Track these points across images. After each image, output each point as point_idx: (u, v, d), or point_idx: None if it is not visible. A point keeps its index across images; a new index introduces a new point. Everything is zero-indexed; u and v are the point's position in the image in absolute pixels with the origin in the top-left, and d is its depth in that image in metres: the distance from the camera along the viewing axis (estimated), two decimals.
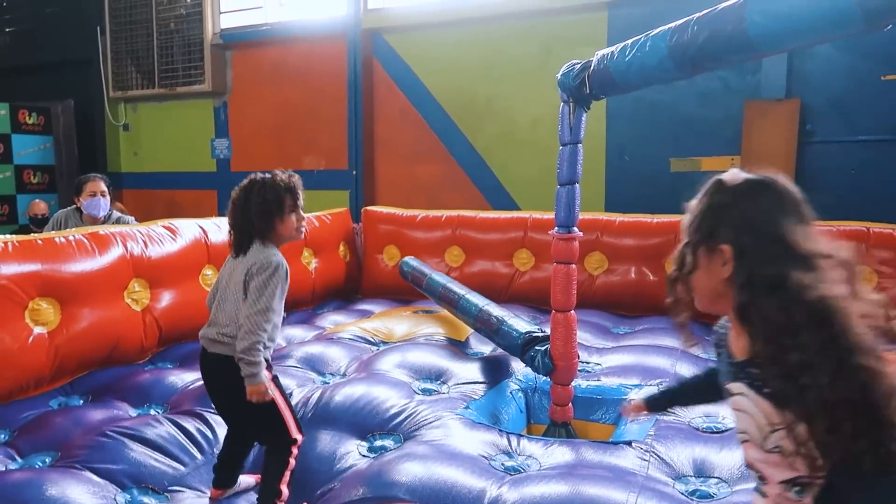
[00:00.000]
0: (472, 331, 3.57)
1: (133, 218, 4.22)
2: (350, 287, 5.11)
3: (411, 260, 4.15)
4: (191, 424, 2.41)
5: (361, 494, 1.96)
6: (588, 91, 2.29)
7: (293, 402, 2.47)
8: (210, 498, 2.11)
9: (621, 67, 2.09)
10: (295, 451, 2.01)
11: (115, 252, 3.19)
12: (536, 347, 2.65)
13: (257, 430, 2.06)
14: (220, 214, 6.88)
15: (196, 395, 2.68)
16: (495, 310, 3.10)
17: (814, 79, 4.86)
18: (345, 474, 2.10)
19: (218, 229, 3.86)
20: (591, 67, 2.25)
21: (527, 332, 2.75)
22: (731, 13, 1.63)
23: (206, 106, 7.10)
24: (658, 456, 2.13)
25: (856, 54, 4.74)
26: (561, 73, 2.39)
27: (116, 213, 4.11)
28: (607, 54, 2.19)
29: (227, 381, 1.98)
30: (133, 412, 2.64)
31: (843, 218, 4.14)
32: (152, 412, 2.65)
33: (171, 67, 6.97)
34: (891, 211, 4.39)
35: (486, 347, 3.41)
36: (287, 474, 1.99)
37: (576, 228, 2.50)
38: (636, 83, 2.14)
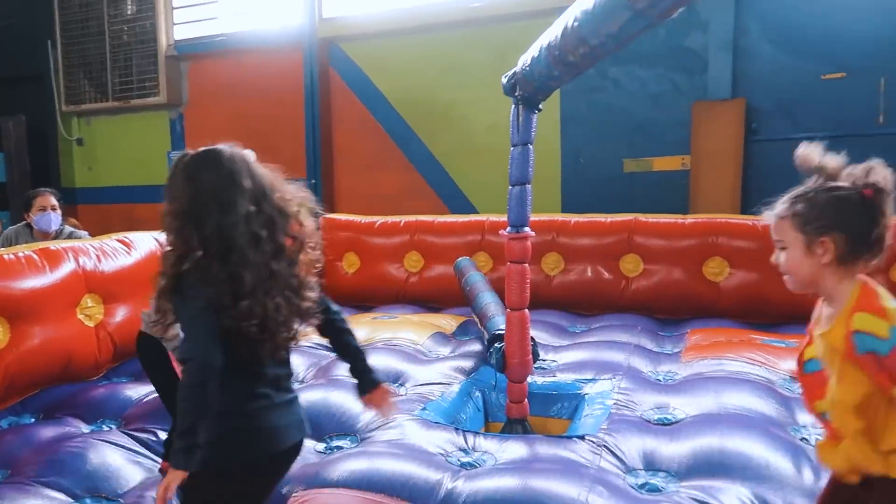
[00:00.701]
0: (431, 334, 3.60)
1: (86, 233, 4.16)
2: None
3: (464, 260, 4.25)
4: (146, 437, 2.39)
5: (311, 483, 1.98)
6: (521, 95, 2.36)
7: None
8: (160, 469, 2.17)
9: (529, 75, 2.20)
10: None
11: (67, 267, 3.15)
12: (496, 345, 2.70)
13: None
14: None
15: (152, 408, 2.66)
16: (495, 307, 3.18)
17: (758, 79, 5.02)
18: (300, 471, 2.11)
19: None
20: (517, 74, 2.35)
21: (497, 330, 2.79)
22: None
23: (161, 118, 7.03)
24: (609, 449, 2.18)
25: (797, 55, 4.92)
26: (504, 78, 2.46)
27: (69, 228, 4.05)
28: (523, 61, 2.29)
29: None
30: (86, 428, 2.61)
31: None
32: (105, 427, 2.61)
33: (126, 80, 6.89)
34: None
35: (444, 350, 3.45)
36: None
37: (527, 228, 2.55)
38: (544, 87, 2.26)
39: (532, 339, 2.64)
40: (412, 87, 6.04)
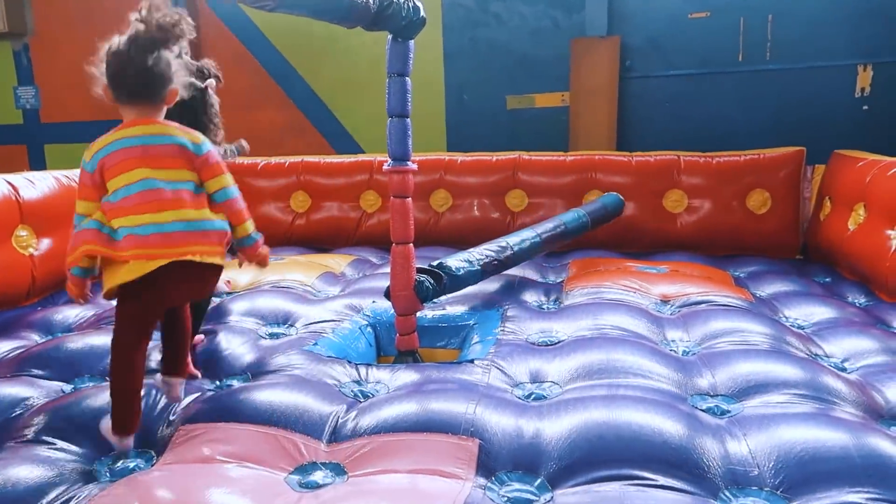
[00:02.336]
0: (320, 274, 3.55)
1: None
2: None
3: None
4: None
5: (197, 418, 1.94)
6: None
7: None
8: None
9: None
10: None
11: None
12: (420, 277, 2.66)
13: None
14: (33, 169, 6.23)
15: (13, 364, 2.46)
16: (490, 245, 3.15)
17: (632, 17, 5.18)
18: (186, 407, 2.05)
19: (31, 185, 3.49)
20: None
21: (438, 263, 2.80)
22: None
23: (2, 49, 6.28)
24: (499, 369, 2.27)
25: None
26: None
27: None
28: None
29: None
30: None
31: (659, 148, 4.53)
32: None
33: None
34: (700, 140, 4.87)
35: (333, 289, 3.41)
36: None
37: (409, 162, 2.52)
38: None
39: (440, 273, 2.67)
40: (289, 19, 5.73)
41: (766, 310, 2.93)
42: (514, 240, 3.23)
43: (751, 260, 3.91)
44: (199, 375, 2.34)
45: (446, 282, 2.70)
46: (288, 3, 1.96)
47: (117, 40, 1.86)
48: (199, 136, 1.84)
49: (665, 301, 3.02)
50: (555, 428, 1.80)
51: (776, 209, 4.12)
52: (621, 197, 4.01)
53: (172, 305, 1.95)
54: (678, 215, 4.26)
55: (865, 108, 4.95)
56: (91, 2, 5.98)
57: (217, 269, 1.88)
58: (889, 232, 3.10)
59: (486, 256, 2.98)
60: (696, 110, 5.16)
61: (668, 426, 1.77)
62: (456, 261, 2.84)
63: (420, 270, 2.65)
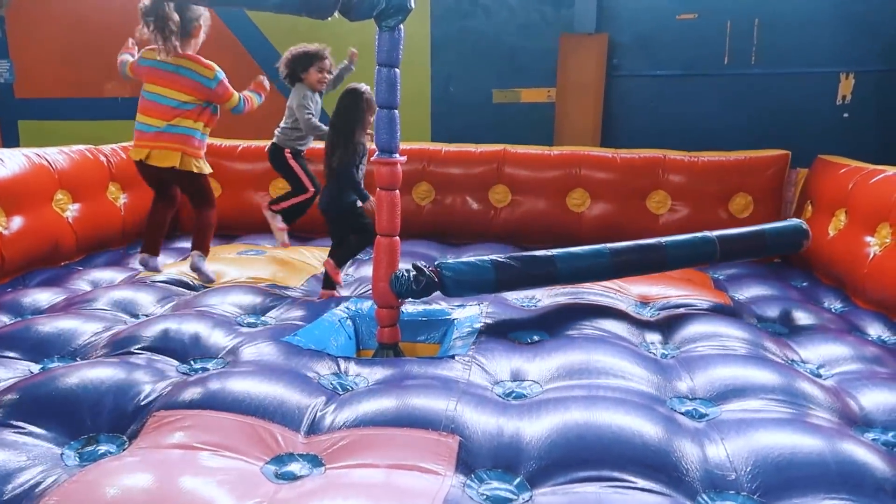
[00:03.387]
0: (309, 277, 3.49)
1: None
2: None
3: None
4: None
5: (173, 404, 1.90)
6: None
7: (99, 340, 2.47)
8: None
9: None
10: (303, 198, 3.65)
11: None
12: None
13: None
14: (6, 146, 6.07)
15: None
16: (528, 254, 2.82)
17: (620, 15, 5.18)
18: (160, 392, 2.00)
19: (1, 163, 3.39)
20: None
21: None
22: None
23: None
24: (479, 366, 2.25)
25: None
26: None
27: None
28: None
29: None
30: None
31: (643, 145, 4.54)
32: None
33: None
34: (683, 140, 4.88)
35: (312, 284, 3.36)
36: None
37: (397, 154, 2.49)
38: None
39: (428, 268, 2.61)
40: None
41: (744, 313, 2.95)
42: (566, 254, 2.77)
43: (730, 262, 3.93)
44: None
45: (444, 282, 2.57)
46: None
47: None
48: None
49: (644, 303, 3.03)
50: (535, 427, 1.79)
51: (758, 212, 4.15)
52: (803, 225, 3.13)
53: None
54: (661, 216, 4.28)
55: (846, 115, 5.01)
56: None
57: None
58: (868, 239, 3.14)
59: (511, 265, 2.63)
60: (680, 111, 5.18)
61: (647, 428, 1.77)
62: (466, 263, 2.63)
63: (415, 267, 2.58)
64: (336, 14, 2.38)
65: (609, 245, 2.80)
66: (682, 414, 1.97)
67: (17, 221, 3.39)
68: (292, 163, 3.58)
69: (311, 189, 3.58)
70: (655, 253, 2.82)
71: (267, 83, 3.17)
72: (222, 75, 2.24)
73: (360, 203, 3.20)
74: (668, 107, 5.20)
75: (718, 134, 5.10)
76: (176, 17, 2.21)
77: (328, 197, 3.25)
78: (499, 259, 2.65)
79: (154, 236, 2.44)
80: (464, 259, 2.70)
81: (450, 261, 2.65)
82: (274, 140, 3.65)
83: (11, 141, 6.20)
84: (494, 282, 2.62)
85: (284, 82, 3.67)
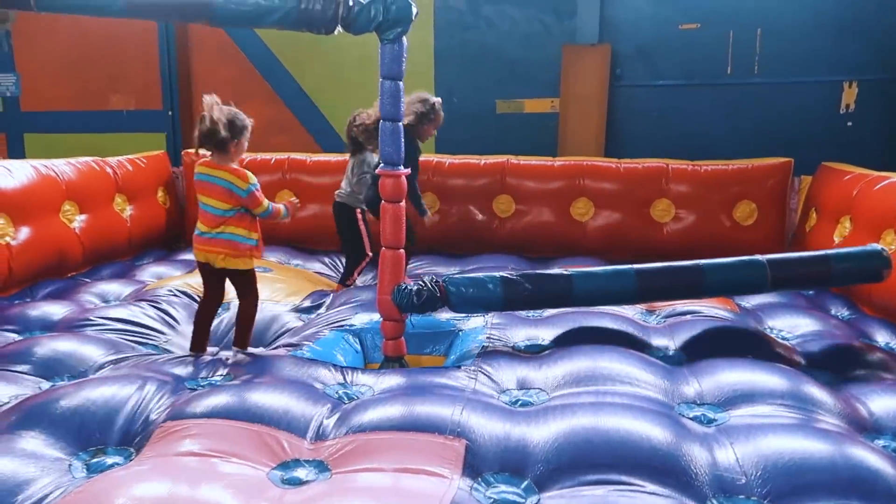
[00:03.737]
0: (312, 292, 3.48)
1: None
2: (172, 236, 4.79)
3: None
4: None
5: (180, 415, 1.90)
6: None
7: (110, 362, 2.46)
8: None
9: None
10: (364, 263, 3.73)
11: None
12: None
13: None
14: (12, 157, 6.10)
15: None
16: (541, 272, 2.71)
17: (622, 26, 5.20)
18: (169, 405, 2.00)
19: (9, 173, 3.41)
20: None
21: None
22: None
23: None
24: (485, 375, 2.24)
25: (658, 4, 5.14)
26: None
27: None
28: None
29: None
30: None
31: (646, 155, 4.55)
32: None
33: None
34: (686, 149, 4.89)
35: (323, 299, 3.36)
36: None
37: (402, 166, 2.50)
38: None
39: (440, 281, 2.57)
40: None
41: (751, 321, 2.94)
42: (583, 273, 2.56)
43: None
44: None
45: (450, 298, 2.50)
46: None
47: None
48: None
49: (650, 311, 3.02)
50: (542, 432, 1.78)
51: (762, 220, 4.15)
52: (883, 251, 2.64)
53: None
54: (665, 224, 4.27)
55: (849, 123, 5.02)
56: None
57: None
58: (875, 245, 3.12)
59: (519, 283, 2.48)
60: (683, 121, 5.19)
61: (655, 433, 1.76)
62: (473, 280, 2.52)
63: (421, 281, 2.54)
64: (339, 28, 2.40)
65: (635, 266, 2.53)
66: (690, 419, 1.96)
67: (24, 232, 3.40)
68: (360, 225, 3.72)
69: (370, 254, 3.70)
70: (690, 277, 2.50)
71: (296, 206, 3.20)
72: (254, 186, 2.65)
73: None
74: (671, 116, 5.21)
75: (722, 143, 5.10)
76: (223, 134, 2.63)
77: (372, 196, 3.42)
78: (508, 276, 2.50)
79: (202, 334, 2.68)
80: (472, 275, 2.60)
81: (457, 276, 2.57)
82: (340, 200, 3.75)
83: (17, 153, 6.24)
84: (502, 300, 2.49)
85: (346, 146, 3.87)
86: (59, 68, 6.07)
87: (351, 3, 2.32)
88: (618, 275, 2.51)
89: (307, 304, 3.31)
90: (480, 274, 2.60)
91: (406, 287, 2.51)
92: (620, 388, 2.11)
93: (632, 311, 2.95)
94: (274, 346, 2.75)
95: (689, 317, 2.88)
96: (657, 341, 2.62)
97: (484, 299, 2.51)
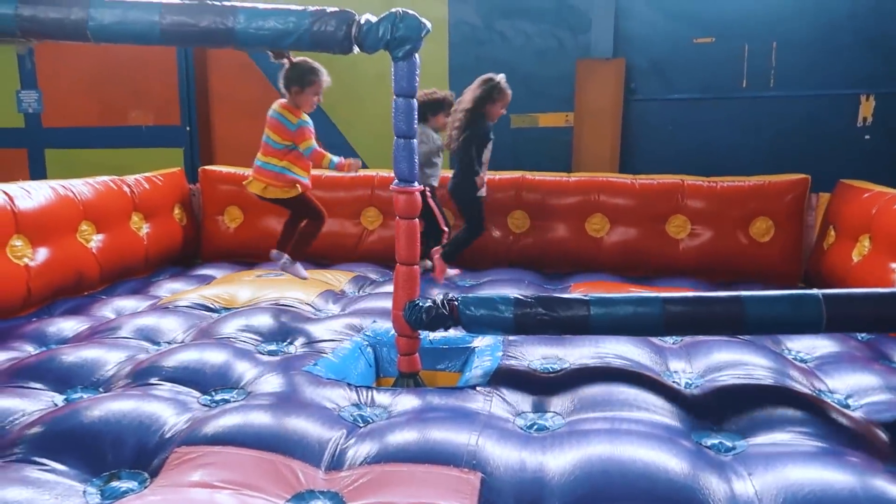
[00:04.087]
0: (320, 292, 3.51)
1: None
2: (188, 252, 4.82)
3: None
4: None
5: (195, 439, 1.90)
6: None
7: (121, 370, 2.50)
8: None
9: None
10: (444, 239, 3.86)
11: None
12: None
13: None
14: (34, 175, 6.20)
15: (6, 375, 2.42)
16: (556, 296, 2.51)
17: (636, 40, 5.20)
18: (182, 426, 2.01)
19: (27, 195, 3.46)
20: None
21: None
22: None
23: (7, 53, 6.26)
24: (500, 396, 2.23)
25: (672, 18, 5.13)
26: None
27: None
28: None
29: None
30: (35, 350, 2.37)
31: (661, 169, 4.53)
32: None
33: None
34: (702, 165, 4.86)
35: (334, 308, 3.38)
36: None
37: (416, 182, 2.50)
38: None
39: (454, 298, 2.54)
40: None
41: (767, 342, 2.90)
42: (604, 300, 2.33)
43: (752, 288, 3.85)
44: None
45: (461, 317, 2.42)
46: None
47: None
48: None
49: None
50: (558, 462, 1.77)
51: (779, 237, 4.11)
52: None
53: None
54: (680, 241, 4.25)
55: (867, 137, 4.96)
56: None
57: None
58: (894, 265, 3.08)
59: (533, 307, 2.33)
60: (698, 135, 5.17)
61: (672, 464, 1.74)
62: (485, 300, 2.42)
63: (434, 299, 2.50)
64: (356, 48, 2.42)
65: (663, 294, 2.31)
66: (707, 447, 1.93)
67: (42, 253, 3.44)
68: (430, 202, 3.79)
69: (445, 230, 3.83)
70: (729, 309, 2.22)
71: (355, 166, 3.54)
72: (304, 123, 3.08)
73: (481, 192, 3.66)
74: (686, 130, 5.19)
75: (737, 157, 5.07)
76: (293, 72, 3.09)
77: (453, 180, 3.68)
78: (521, 298, 2.36)
79: (284, 235, 3.44)
80: (486, 294, 2.51)
81: (470, 295, 2.50)
82: None
83: (39, 169, 6.34)
84: (513, 324, 2.36)
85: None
86: (80, 85, 6.16)
87: (362, 23, 2.35)
88: (642, 303, 2.27)
89: (318, 301, 3.40)
90: (494, 294, 2.52)
91: (417, 304, 2.50)
92: (636, 414, 2.09)
93: None
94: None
95: (705, 337, 2.85)
96: (674, 363, 2.59)
97: (495, 321, 2.41)
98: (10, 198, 3.33)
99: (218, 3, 2.34)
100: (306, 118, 3.13)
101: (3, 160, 6.35)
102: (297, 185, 3.21)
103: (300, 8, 2.36)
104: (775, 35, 4.99)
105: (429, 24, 2.36)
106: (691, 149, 5.13)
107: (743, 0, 5.02)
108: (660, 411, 2.11)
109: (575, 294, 2.42)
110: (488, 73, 3.92)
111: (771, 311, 2.21)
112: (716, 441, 1.97)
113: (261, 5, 2.41)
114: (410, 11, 2.33)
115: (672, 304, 2.25)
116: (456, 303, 2.45)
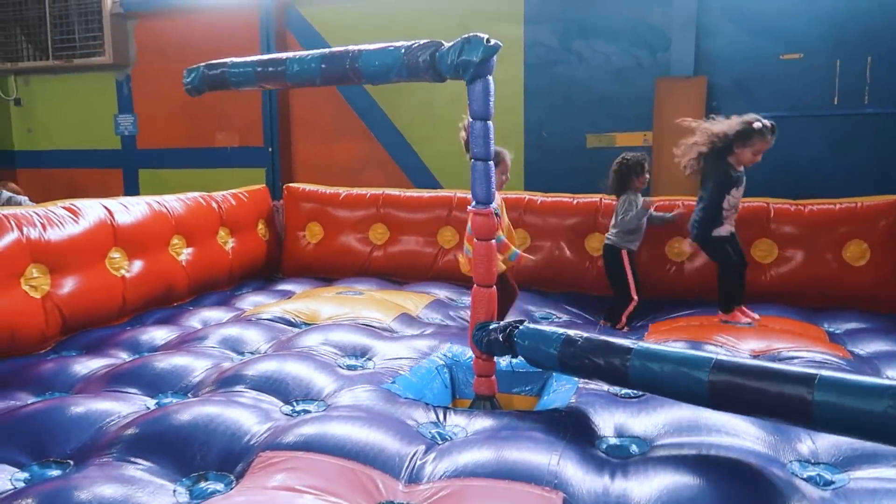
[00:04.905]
0: (397, 315, 3.53)
1: (27, 198, 3.95)
2: (270, 267, 4.98)
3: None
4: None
5: (278, 445, 1.94)
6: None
7: (208, 377, 2.59)
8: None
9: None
10: (631, 307, 3.67)
11: (9, 237, 2.98)
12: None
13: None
14: (128, 194, 6.56)
15: (104, 380, 2.55)
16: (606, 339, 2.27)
17: (719, 58, 5.06)
18: (265, 433, 2.06)
19: (125, 210, 3.66)
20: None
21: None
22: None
23: (107, 79, 6.69)
24: (581, 420, 2.18)
25: (757, 35, 4.97)
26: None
27: (7, 194, 3.83)
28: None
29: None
30: (32, 400, 2.48)
31: (745, 193, 4.35)
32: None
33: (67, 38, 6.51)
34: (787, 185, 4.66)
35: (413, 329, 3.39)
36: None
37: (493, 205, 2.50)
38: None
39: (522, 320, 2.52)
40: None
41: (867, 368, 2.73)
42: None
43: (846, 314, 3.67)
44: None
45: (515, 347, 2.36)
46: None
47: None
48: None
49: (755, 356, 2.86)
50: (643, 489, 1.71)
51: (875, 261, 3.87)
52: None
53: None
54: (767, 266, 4.07)
55: None
56: (186, 38, 6.31)
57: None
58: None
59: (577, 350, 2.14)
60: (786, 154, 4.93)
61: (767, 495, 1.65)
62: (539, 332, 2.31)
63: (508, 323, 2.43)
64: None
65: (720, 357, 1.88)
66: (804, 480, 1.83)
67: (137, 265, 3.63)
68: (626, 266, 3.70)
69: (635, 298, 3.67)
70: (793, 389, 1.68)
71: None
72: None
73: (722, 232, 3.51)
74: (772, 149, 4.93)
75: (828, 177, 4.83)
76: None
77: (693, 221, 3.60)
78: (571, 337, 2.19)
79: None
80: (543, 328, 2.37)
81: (531, 326, 2.38)
82: (608, 242, 3.80)
83: (133, 187, 6.71)
84: (557, 362, 2.21)
85: (609, 188, 3.88)
86: (171, 109, 6.51)
87: (440, 51, 2.36)
88: (690, 362, 1.90)
89: (395, 324, 3.41)
90: (549, 329, 2.35)
91: (484, 327, 2.48)
92: (726, 440, 2.00)
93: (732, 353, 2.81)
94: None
95: (796, 362, 2.71)
96: None
97: (542, 357, 2.27)
98: (111, 213, 3.54)
99: (345, 49, 2.59)
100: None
101: (102, 179, 6.76)
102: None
103: (400, 44, 2.48)
104: (870, 50, 4.76)
105: (496, 43, 2.32)
106: (779, 168, 4.92)
107: (834, 14, 4.82)
108: (750, 439, 2.01)
109: (623, 341, 2.14)
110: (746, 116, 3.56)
111: (849, 402, 1.62)
112: (813, 473, 1.86)
113: (374, 46, 2.55)
114: (480, 34, 2.33)
115: (723, 371, 1.80)
116: (514, 331, 2.38)
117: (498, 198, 2.92)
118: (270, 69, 2.72)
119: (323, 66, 2.60)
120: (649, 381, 1.99)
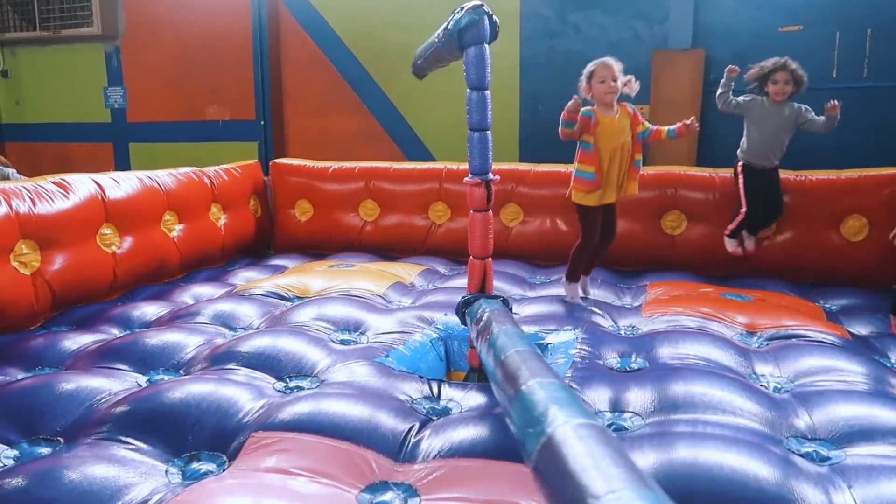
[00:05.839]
0: (391, 284, 3.52)
1: (15, 171, 3.88)
2: (262, 243, 4.94)
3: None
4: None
5: (271, 425, 1.92)
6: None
7: (200, 353, 2.56)
8: None
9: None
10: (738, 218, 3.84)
11: None
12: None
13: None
14: (118, 168, 6.48)
15: (95, 356, 2.52)
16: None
17: (718, 30, 4.99)
18: (258, 411, 2.04)
19: (116, 185, 3.60)
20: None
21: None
22: None
23: (96, 51, 6.56)
24: (575, 394, 2.17)
25: (756, 7, 4.90)
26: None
27: None
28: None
29: None
30: (22, 376, 2.45)
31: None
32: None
33: (53, 7, 6.37)
34: (788, 158, 4.61)
35: (406, 300, 3.37)
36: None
37: (490, 174, 2.46)
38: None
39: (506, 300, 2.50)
40: (366, 25, 5.78)
41: (864, 349, 2.72)
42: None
43: (843, 291, 3.65)
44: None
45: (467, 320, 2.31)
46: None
47: None
48: None
49: (751, 332, 2.85)
50: (638, 464, 1.69)
51: (873, 236, 3.84)
52: None
53: None
54: (765, 238, 4.04)
55: None
56: (177, 9, 6.18)
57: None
58: None
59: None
60: None
61: (763, 471, 1.65)
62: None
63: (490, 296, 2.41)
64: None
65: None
66: (800, 456, 1.82)
67: (128, 241, 3.58)
68: (739, 178, 3.85)
69: (742, 210, 3.80)
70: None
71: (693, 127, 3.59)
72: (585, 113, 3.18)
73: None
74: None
75: (827, 151, 4.78)
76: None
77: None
78: (484, 316, 2.04)
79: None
80: (488, 301, 2.26)
81: (483, 300, 2.29)
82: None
83: (123, 161, 6.62)
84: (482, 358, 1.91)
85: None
86: (161, 82, 6.40)
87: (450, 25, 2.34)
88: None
89: (390, 293, 3.40)
90: (490, 300, 2.26)
91: (464, 298, 2.44)
92: (721, 417, 1.99)
93: (731, 333, 2.80)
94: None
95: (794, 340, 2.70)
96: (760, 366, 2.46)
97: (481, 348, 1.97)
98: (101, 188, 3.48)
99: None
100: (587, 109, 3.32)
101: (92, 153, 6.67)
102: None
103: None
104: (870, 23, 4.69)
105: (480, 8, 2.27)
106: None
107: None
108: (746, 415, 2.00)
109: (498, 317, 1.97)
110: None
111: None
112: (809, 450, 1.86)
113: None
114: (477, 2, 2.28)
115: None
116: (470, 303, 2.33)
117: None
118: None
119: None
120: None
